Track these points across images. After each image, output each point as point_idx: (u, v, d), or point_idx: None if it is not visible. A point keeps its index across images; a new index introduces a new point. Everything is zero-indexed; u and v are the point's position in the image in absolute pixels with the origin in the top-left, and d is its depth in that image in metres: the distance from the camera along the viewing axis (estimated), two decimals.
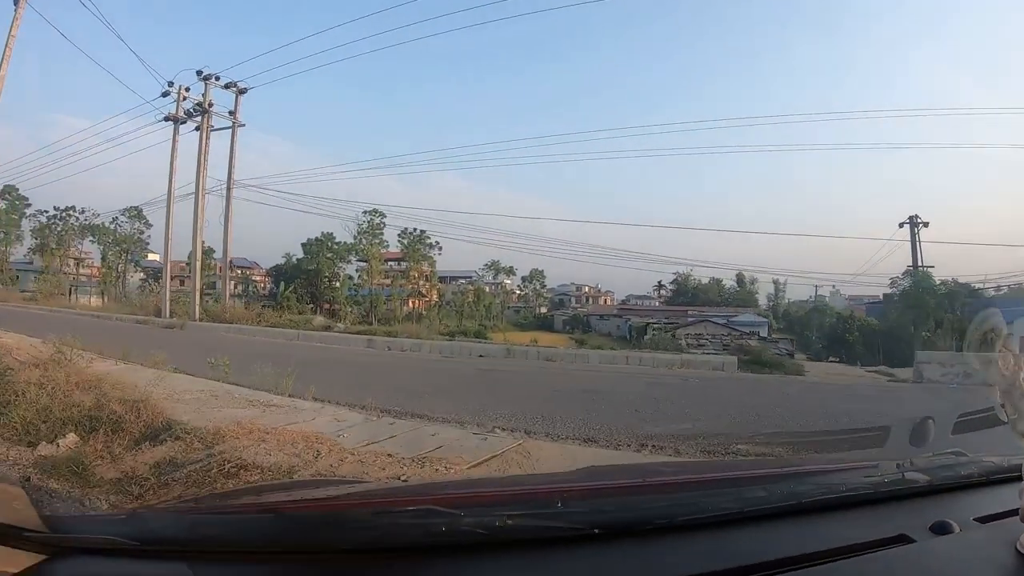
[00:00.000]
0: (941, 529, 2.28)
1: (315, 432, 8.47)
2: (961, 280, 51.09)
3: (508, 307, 79.05)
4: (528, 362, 26.47)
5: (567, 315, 77.52)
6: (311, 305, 61.73)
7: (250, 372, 12.72)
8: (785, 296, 79.46)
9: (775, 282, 78.14)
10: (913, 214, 48.85)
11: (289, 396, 11.63)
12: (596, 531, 2.09)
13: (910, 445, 4.82)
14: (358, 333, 35.04)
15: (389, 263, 72.04)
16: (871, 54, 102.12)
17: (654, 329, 54.11)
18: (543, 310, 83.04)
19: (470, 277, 79.52)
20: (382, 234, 66.94)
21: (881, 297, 61.44)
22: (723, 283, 78.56)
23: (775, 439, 10.55)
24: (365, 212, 64.04)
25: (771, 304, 77.58)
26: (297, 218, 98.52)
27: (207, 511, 2.47)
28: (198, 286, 42.54)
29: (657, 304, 79.03)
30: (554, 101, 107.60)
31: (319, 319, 37.50)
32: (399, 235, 67.35)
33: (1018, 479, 2.15)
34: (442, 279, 76.93)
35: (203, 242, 45.78)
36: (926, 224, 48.41)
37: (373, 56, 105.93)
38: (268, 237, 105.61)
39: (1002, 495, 2.54)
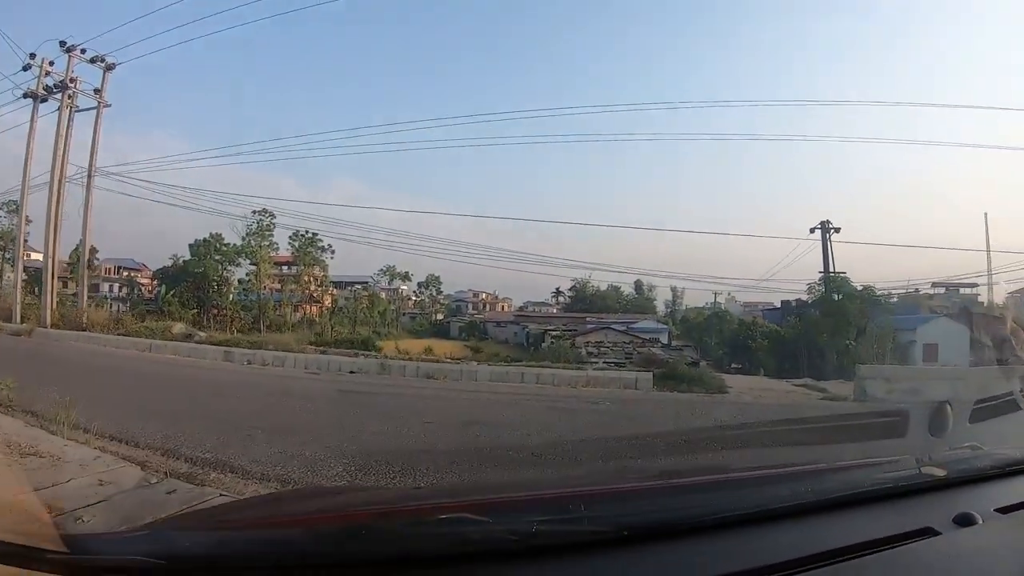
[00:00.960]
0: (965, 521, 2.28)
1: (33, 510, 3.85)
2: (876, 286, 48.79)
3: (404, 314, 76.51)
4: (405, 380, 23.52)
5: (464, 322, 74.49)
6: (195, 311, 57.26)
7: (45, 397, 10.61)
8: (682, 303, 78.62)
9: (672, 289, 77.00)
10: (825, 219, 46.87)
11: (68, 436, 9.14)
12: (625, 534, 2.05)
13: (929, 434, 4.67)
14: (220, 344, 31.17)
15: (280, 267, 67.97)
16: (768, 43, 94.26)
17: (552, 336, 51.88)
18: (440, 317, 79.91)
19: (366, 283, 75.37)
20: (272, 235, 62.69)
21: (779, 304, 60.55)
22: (621, 290, 76.01)
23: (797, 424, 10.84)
24: (254, 212, 59.46)
25: (669, 311, 77.02)
26: (192, 217, 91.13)
27: (233, 526, 2.31)
28: (50, 288, 38.98)
29: (555, 311, 76.20)
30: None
31: (179, 327, 35.47)
32: (290, 237, 63.49)
33: None
34: (338, 284, 72.93)
35: (84, 240, 43.90)
36: (837, 229, 46.34)
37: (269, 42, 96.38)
38: (157, 238, 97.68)
39: (1020, 486, 2.65)
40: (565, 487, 3.00)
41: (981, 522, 2.29)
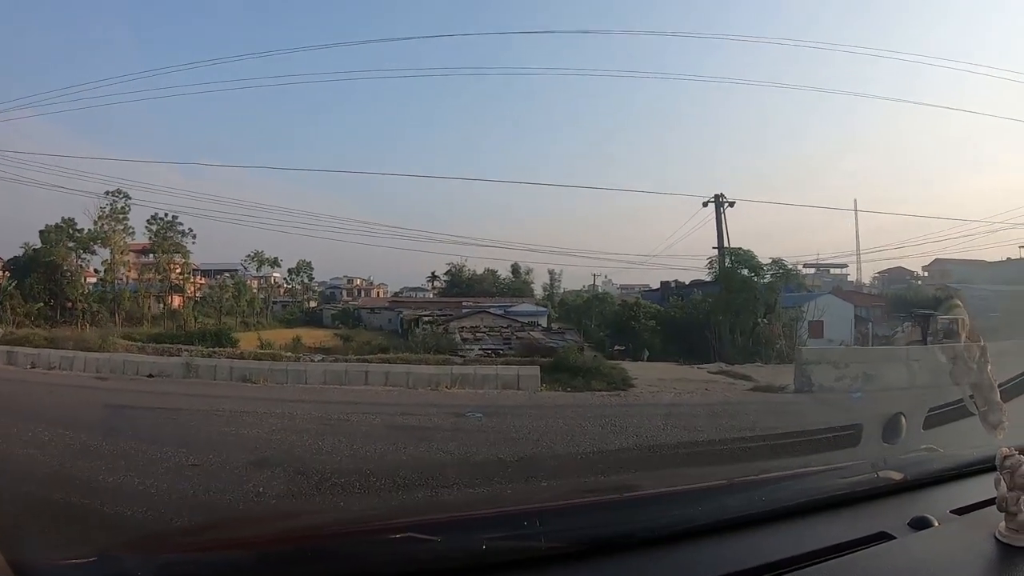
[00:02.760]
0: (920, 524, 2.28)
1: None
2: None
3: (275, 302, 67.80)
4: (213, 386, 18.53)
5: (337, 309, 67.64)
6: (41, 304, 49.53)
7: None
8: (560, 285, 72.59)
9: (551, 272, 71.32)
10: (719, 192, 42.22)
11: None
12: (577, 549, 2.04)
13: (883, 442, 4.60)
14: (10, 342, 26.57)
15: (139, 254, 59.23)
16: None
17: (426, 322, 46.89)
18: (312, 304, 70.99)
19: (236, 270, 66.06)
20: (127, 220, 54.70)
21: (659, 285, 58.17)
22: (498, 273, 69.61)
23: (753, 441, 9.87)
24: (107, 193, 51.89)
25: (547, 294, 70.90)
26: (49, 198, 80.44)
27: (179, 549, 2.23)
28: None
29: (431, 296, 70.61)
30: None
31: None
32: (147, 221, 55.61)
33: (991, 470, 2.22)
34: (206, 273, 65.79)
35: None
36: (731, 203, 42.03)
37: None
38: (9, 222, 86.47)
39: (976, 487, 2.55)
40: (519, 503, 2.89)
41: (937, 524, 2.25)
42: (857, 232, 69.22)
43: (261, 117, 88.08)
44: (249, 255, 65.70)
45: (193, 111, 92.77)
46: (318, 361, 22.97)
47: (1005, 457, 2.17)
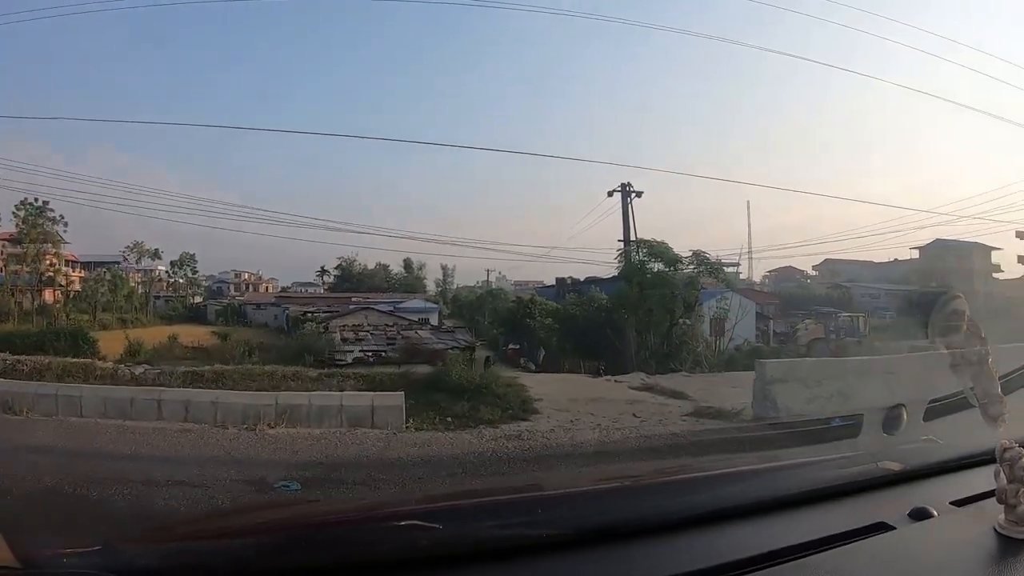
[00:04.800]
0: (919, 515, 2.19)
1: None
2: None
3: (158, 297, 61.61)
4: None
5: (221, 305, 61.93)
6: None
7: None
8: (453, 281, 68.44)
9: (443, 267, 66.92)
10: (625, 181, 37.04)
11: None
12: (578, 537, 1.97)
13: (884, 434, 4.38)
14: None
15: (8, 244, 51.02)
16: None
17: (310, 319, 42.33)
18: (198, 299, 64.93)
19: (117, 263, 58.38)
20: None
21: (554, 281, 54.13)
22: (390, 268, 66.00)
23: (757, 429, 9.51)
24: None
25: (440, 289, 66.54)
26: None
27: (186, 538, 2.16)
28: None
29: (321, 291, 65.34)
30: None
31: None
32: (14, 208, 48.07)
33: (990, 462, 2.15)
34: (86, 265, 57.47)
35: None
36: (639, 193, 36.93)
37: None
38: None
39: (976, 478, 2.47)
40: (518, 492, 3.00)
41: (936, 515, 2.15)
42: (749, 232, 68.28)
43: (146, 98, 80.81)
44: (128, 246, 59.24)
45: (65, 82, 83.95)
46: (98, 383, 15.75)
47: (1005, 449, 2.07)
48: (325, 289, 67.84)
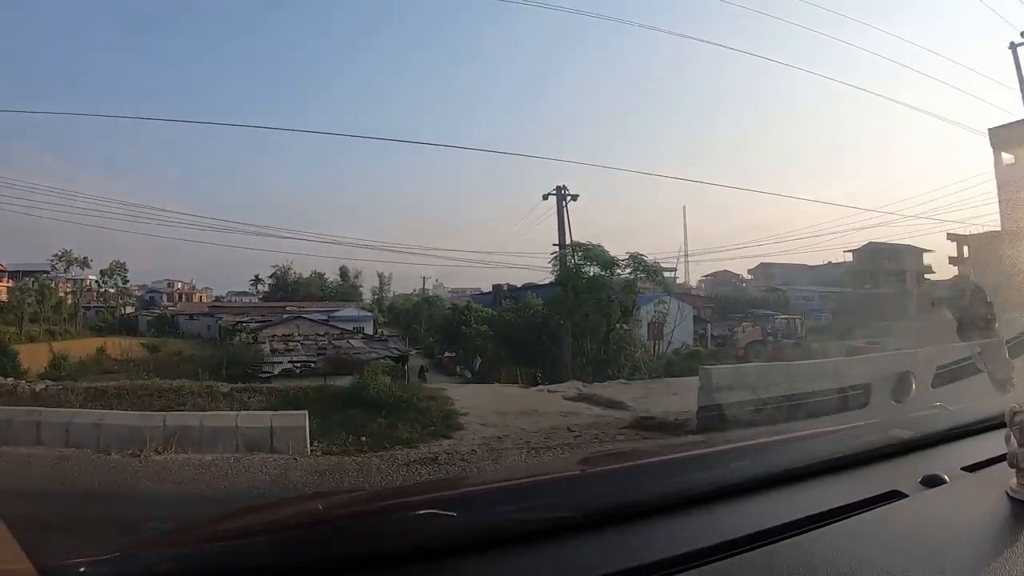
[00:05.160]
0: (932, 482, 2.19)
1: None
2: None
3: (87, 307, 59.00)
4: None
5: (153, 316, 60.59)
6: None
7: None
8: (390, 288, 67.49)
9: (380, 274, 65.67)
10: (561, 184, 36.48)
11: None
12: (591, 519, 1.91)
13: (893, 401, 4.57)
14: None
15: None
16: None
17: (241, 330, 40.39)
18: (129, 310, 62.12)
19: (46, 272, 56.16)
20: None
21: (491, 288, 52.77)
22: (325, 276, 63.65)
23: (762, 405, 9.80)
24: None
25: (376, 297, 65.78)
26: None
27: (203, 540, 2.01)
28: None
29: (256, 300, 63.12)
30: None
31: None
32: None
33: (1000, 427, 2.13)
34: (13, 275, 56.04)
35: None
36: (575, 197, 36.23)
37: None
38: None
39: (986, 443, 2.44)
40: (529, 475, 2.94)
41: (948, 481, 2.16)
42: (685, 236, 69.12)
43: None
44: (56, 254, 57.35)
45: None
46: None
47: (1015, 413, 2.02)
48: (260, 298, 66.50)
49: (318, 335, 37.64)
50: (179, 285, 73.62)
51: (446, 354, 43.00)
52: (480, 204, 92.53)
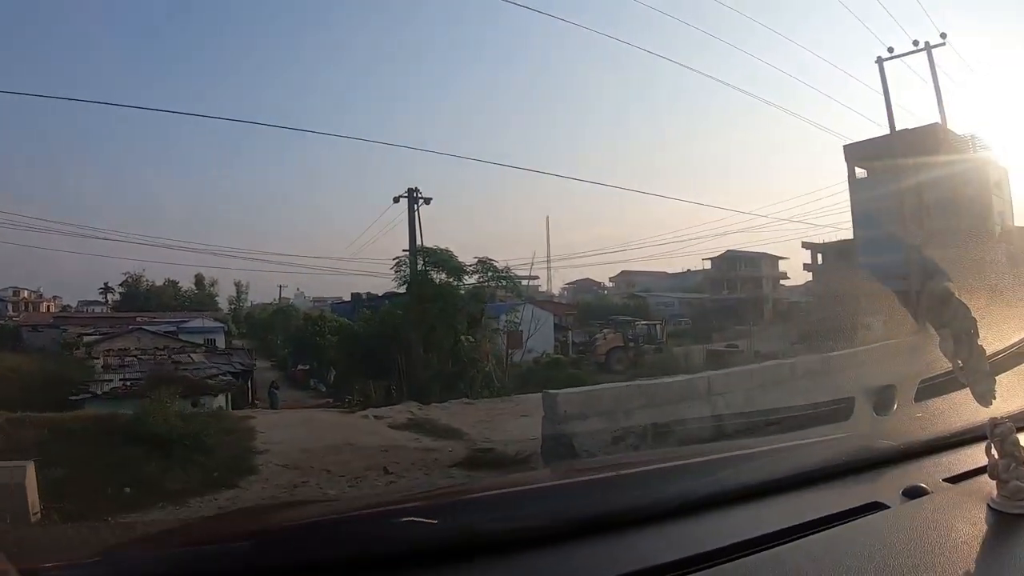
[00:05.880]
0: (914, 493, 2.14)
1: None
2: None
3: None
4: None
5: None
6: None
7: None
8: (247, 298, 65.76)
9: (237, 283, 63.56)
10: (413, 187, 33.04)
11: None
12: (575, 527, 1.85)
13: (875, 415, 4.62)
14: None
15: None
16: None
17: (81, 343, 36.28)
18: None
19: None
20: None
21: (349, 297, 51.87)
22: (179, 284, 61.48)
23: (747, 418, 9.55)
24: None
25: (233, 308, 63.92)
26: None
27: (183, 544, 2.06)
28: None
29: (107, 310, 59.25)
30: None
31: None
32: None
33: (982, 439, 2.08)
34: None
35: None
36: (427, 200, 32.95)
37: None
38: None
39: (968, 455, 2.43)
40: (514, 485, 2.83)
41: (930, 493, 2.13)
42: (548, 244, 70.69)
43: None
44: None
45: None
46: None
47: (995, 425, 2.03)
48: (111, 308, 62.29)
49: (157, 349, 34.00)
50: (25, 293, 68.27)
51: (298, 367, 41.69)
52: (340, 208, 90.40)
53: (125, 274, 62.73)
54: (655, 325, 46.56)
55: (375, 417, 16.30)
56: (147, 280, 62.69)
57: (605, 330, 44.58)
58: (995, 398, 3.20)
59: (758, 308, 60.49)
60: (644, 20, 46.20)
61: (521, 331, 34.44)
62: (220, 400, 25.18)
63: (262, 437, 12.37)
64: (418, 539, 1.72)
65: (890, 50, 34.13)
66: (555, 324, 45.19)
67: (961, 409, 3.08)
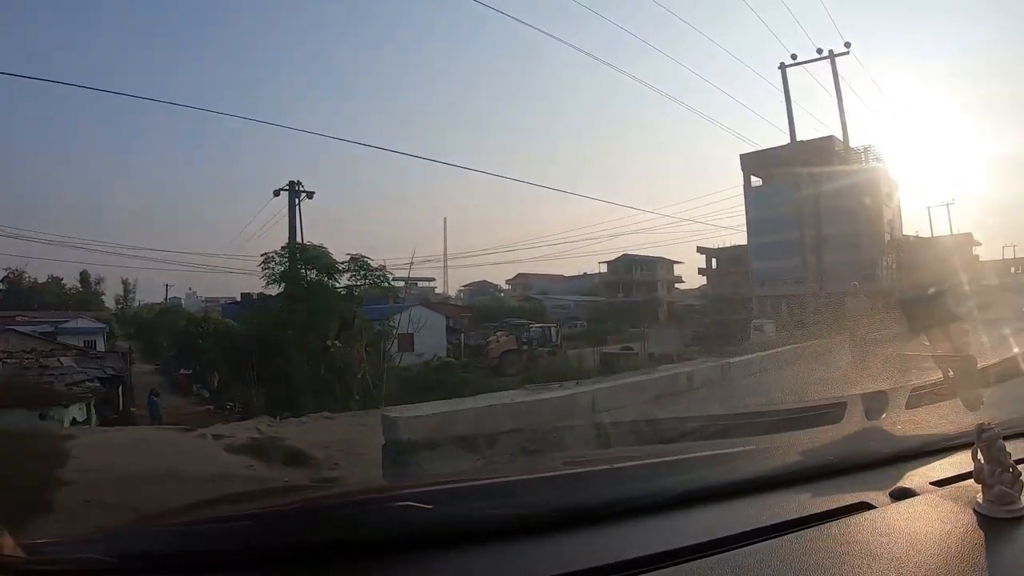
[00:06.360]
0: (900, 495, 2.14)
1: None
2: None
3: None
4: None
5: None
6: None
7: None
8: (135, 297, 64.53)
9: (124, 281, 62.74)
10: (295, 179, 31.73)
11: None
12: (569, 517, 1.86)
13: (867, 420, 3.92)
14: None
15: None
16: None
17: None
18: None
19: None
20: None
21: (239, 298, 48.39)
22: (63, 282, 60.03)
23: (734, 419, 7.45)
24: None
25: (120, 307, 62.90)
26: None
27: (182, 523, 2.05)
28: None
29: None
30: None
31: None
32: None
33: (970, 444, 2.06)
34: None
35: None
36: (310, 195, 31.62)
37: None
38: None
39: (956, 461, 2.41)
40: (515, 474, 2.85)
41: (916, 495, 2.12)
42: (445, 245, 73.03)
43: None
44: None
45: None
46: None
47: (983, 431, 2.00)
48: None
49: (24, 353, 30.88)
50: None
51: (181, 371, 39.53)
52: (234, 204, 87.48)
53: (6, 270, 59.52)
54: (550, 328, 46.25)
55: (214, 437, 13.95)
56: (29, 277, 59.67)
57: (499, 333, 44.08)
58: (984, 405, 3.35)
59: (653, 311, 62.24)
60: (545, 11, 45.94)
61: (410, 333, 32.67)
62: (75, 411, 22.77)
63: (76, 463, 10.27)
64: (414, 524, 1.72)
65: (793, 57, 34.98)
66: (449, 326, 44.90)
67: (950, 416, 3.22)
